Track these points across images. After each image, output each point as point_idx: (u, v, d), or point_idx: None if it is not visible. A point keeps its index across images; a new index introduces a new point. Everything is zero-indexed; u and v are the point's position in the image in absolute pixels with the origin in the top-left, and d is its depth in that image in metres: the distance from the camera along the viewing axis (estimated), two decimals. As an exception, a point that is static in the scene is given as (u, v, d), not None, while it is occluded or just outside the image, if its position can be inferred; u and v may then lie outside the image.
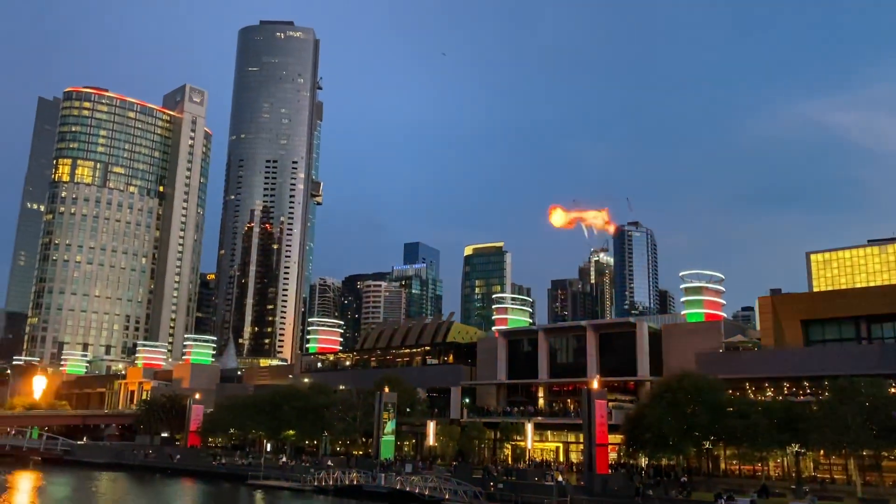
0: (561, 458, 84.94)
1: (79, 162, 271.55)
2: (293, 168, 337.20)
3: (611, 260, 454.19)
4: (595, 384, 71.13)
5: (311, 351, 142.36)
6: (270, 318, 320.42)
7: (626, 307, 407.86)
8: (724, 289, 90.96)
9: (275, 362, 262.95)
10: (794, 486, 60.80)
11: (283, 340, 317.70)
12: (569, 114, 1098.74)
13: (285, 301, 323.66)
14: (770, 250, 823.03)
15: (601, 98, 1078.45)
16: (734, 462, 71.79)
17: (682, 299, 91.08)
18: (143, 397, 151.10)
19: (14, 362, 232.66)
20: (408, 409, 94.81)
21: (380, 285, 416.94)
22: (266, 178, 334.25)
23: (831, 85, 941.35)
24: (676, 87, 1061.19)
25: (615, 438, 73.75)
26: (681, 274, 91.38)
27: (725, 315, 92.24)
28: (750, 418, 62.86)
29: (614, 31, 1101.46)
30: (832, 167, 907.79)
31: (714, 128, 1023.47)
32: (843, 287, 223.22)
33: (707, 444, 67.93)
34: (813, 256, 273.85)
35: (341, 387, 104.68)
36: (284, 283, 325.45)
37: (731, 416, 64.86)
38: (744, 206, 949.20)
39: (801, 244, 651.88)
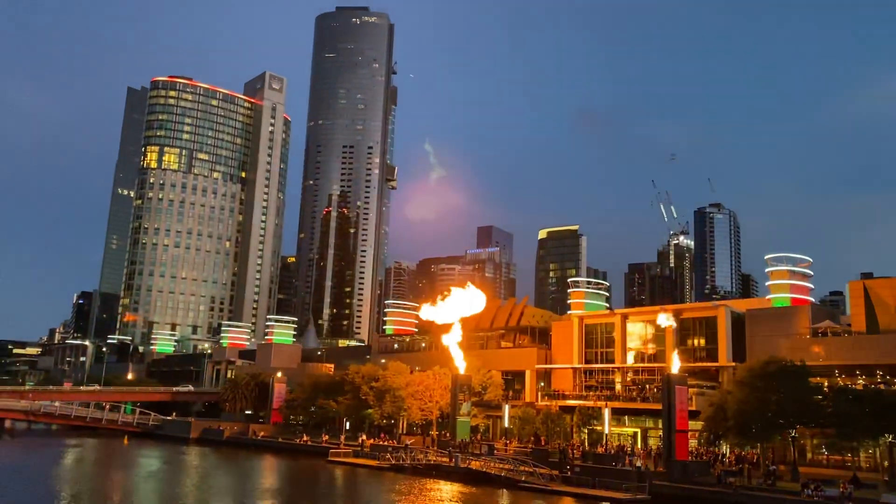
0: (639, 444, 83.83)
1: (165, 149, 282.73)
2: (369, 153, 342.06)
3: (691, 243, 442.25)
4: (675, 369, 69.81)
5: (387, 333, 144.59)
6: (348, 301, 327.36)
7: (707, 291, 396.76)
8: (811, 273, 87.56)
9: (353, 343, 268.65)
10: (887, 479, 58.29)
11: (360, 322, 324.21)
12: (646, 93, 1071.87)
13: (362, 284, 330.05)
14: (859, 233, 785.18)
15: (681, 76, 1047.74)
16: (822, 452, 69.39)
17: (768, 283, 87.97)
18: (229, 376, 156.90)
19: (108, 341, 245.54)
20: (482, 392, 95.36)
21: (453, 268, 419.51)
22: (343, 163, 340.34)
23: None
24: (760, 63, 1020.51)
25: (695, 425, 72.28)
26: (766, 257, 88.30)
27: (813, 300, 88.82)
28: (839, 407, 60.54)
29: (694, 6, 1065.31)
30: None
31: (801, 105, 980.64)
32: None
33: (793, 433, 65.72)
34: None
35: (417, 368, 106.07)
36: (361, 266, 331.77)
37: (820, 404, 62.63)
38: (832, 187, 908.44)
39: (893, 227, 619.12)
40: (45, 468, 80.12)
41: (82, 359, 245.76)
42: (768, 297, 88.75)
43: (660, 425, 75.91)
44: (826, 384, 68.13)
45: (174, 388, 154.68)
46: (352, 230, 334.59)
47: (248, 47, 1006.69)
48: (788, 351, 71.43)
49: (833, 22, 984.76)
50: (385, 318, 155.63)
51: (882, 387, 66.30)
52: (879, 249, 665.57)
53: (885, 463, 63.32)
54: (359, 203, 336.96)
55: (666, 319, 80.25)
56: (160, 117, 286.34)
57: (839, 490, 52.89)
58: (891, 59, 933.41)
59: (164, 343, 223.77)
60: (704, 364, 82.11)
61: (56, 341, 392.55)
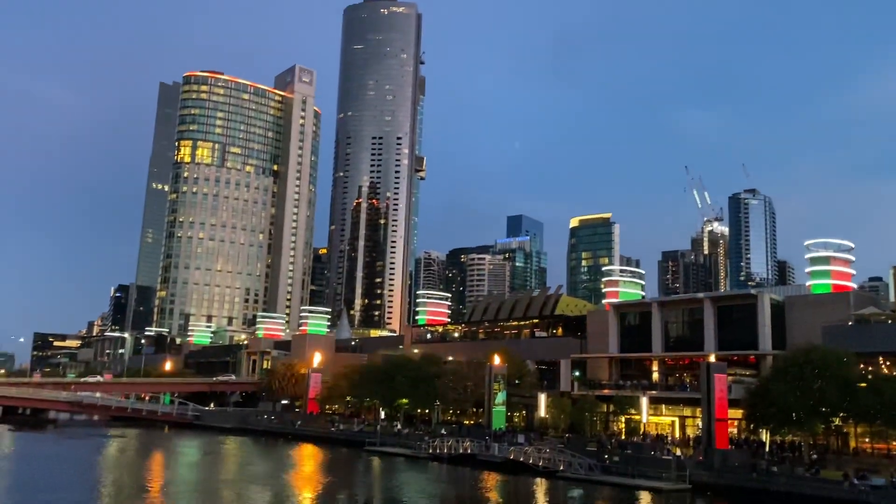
0: (677, 433, 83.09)
1: (199, 143, 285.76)
2: (398, 144, 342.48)
3: (725, 229, 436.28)
4: (713, 358, 68.97)
5: (420, 323, 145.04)
6: (379, 291, 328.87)
7: (742, 278, 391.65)
8: (853, 258, 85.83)
9: (384, 333, 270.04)
10: (935, 468, 57.03)
11: (391, 312, 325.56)
12: (678, 80, 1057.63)
13: (392, 274, 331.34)
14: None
15: (712, 62, 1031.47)
16: (866, 440, 68.07)
17: (808, 270, 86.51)
18: (264, 366, 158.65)
19: (146, 333, 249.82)
20: (517, 381, 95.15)
21: (483, 258, 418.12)
22: (372, 154, 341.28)
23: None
24: (793, 47, 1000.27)
25: (734, 413, 71.40)
26: (806, 243, 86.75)
27: (854, 286, 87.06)
28: (884, 394, 59.35)
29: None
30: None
31: (832, 89, 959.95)
32: None
33: (836, 421, 64.63)
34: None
35: (450, 358, 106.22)
36: (391, 257, 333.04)
37: (864, 392, 61.40)
38: (869, 171, 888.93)
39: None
40: (89, 457, 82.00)
41: (121, 350, 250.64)
42: (807, 283, 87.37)
43: (697, 413, 75.20)
44: (870, 372, 66.84)
45: (211, 379, 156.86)
46: (382, 221, 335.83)
47: (277, 41, 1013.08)
48: (830, 338, 70.19)
49: (867, 5, 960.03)
50: (417, 309, 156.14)
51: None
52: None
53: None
54: (388, 194, 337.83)
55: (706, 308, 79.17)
56: (192, 112, 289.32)
57: (887, 479, 51.86)
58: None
59: (200, 334, 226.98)
60: (743, 352, 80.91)
61: (95, 334, 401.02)
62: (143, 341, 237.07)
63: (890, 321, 73.77)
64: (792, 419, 63.14)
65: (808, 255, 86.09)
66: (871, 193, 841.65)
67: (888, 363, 69.98)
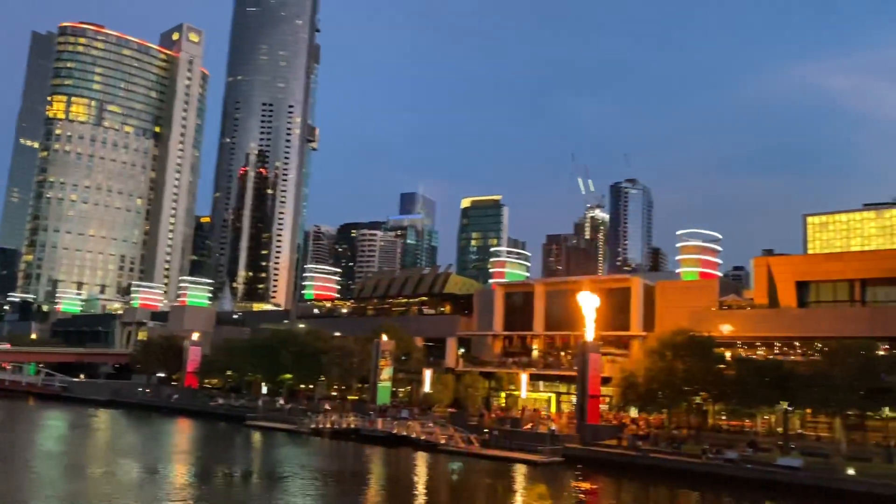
0: (553, 409, 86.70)
1: (73, 99, 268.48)
2: (289, 112, 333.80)
3: (606, 216, 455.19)
4: (589, 338, 72.16)
5: (307, 298, 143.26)
6: (264, 264, 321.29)
7: (619, 263, 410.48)
8: (720, 248, 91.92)
9: (268, 307, 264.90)
10: (780, 443, 62.39)
11: (276, 286, 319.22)
12: (566, 68, 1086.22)
13: (279, 247, 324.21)
14: (762, 212, 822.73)
15: (598, 53, 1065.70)
16: (723, 417, 73.44)
17: (678, 258, 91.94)
18: (140, 337, 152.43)
19: (9, 299, 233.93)
20: (403, 358, 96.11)
21: (375, 234, 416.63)
22: (262, 121, 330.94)
23: (828, 48, 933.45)
24: (672, 44, 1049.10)
25: (607, 391, 75.22)
26: (678, 233, 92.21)
27: (720, 274, 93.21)
28: (741, 376, 64.15)
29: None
30: (827, 131, 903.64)
31: (711, 87, 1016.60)
32: (839, 250, 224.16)
33: (698, 400, 69.33)
34: (809, 219, 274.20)
35: (337, 333, 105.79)
36: (279, 229, 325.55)
37: (723, 373, 66.20)
38: (739, 167, 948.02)
39: (795, 207, 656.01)
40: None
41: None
42: (678, 270, 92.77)
43: (572, 390, 78.80)
44: (729, 355, 72.00)
45: (81, 349, 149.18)
46: (270, 191, 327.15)
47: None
48: (696, 322, 74.90)
49: (748, 7, 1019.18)
50: (304, 283, 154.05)
51: (780, 358, 70.56)
52: (780, 227, 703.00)
53: (780, 429, 67.73)
54: (277, 163, 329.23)
55: (588, 294, 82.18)
56: (68, 65, 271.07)
57: (738, 453, 56.34)
58: (799, 46, 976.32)
59: (69, 302, 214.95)
60: (617, 333, 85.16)
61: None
62: (5, 308, 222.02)
63: (749, 307, 79.71)
64: (658, 397, 67.31)
65: (679, 245, 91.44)
66: (741, 187, 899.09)
67: (745, 347, 75.61)
